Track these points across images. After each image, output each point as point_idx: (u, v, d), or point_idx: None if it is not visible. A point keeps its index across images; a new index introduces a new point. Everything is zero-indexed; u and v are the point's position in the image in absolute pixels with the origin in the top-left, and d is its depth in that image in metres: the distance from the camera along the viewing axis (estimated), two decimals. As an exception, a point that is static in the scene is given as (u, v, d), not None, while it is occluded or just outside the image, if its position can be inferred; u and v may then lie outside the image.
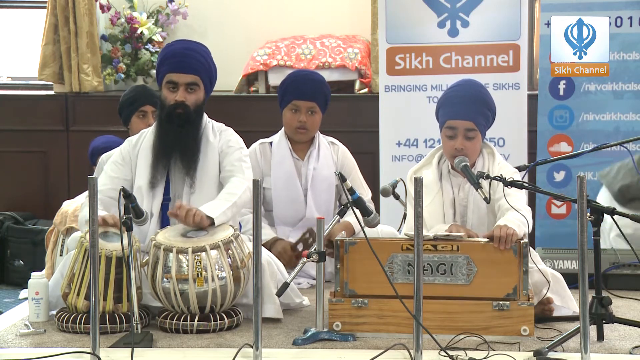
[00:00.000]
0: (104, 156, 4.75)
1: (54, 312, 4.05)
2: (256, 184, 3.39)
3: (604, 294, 3.76)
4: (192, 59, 4.26)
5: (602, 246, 4.11)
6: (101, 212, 4.00)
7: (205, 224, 4.02)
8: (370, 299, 3.83)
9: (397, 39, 5.53)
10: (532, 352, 3.54)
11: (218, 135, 4.34)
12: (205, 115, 4.37)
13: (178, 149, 4.25)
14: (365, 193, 4.91)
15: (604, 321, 3.73)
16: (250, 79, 6.68)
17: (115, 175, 4.27)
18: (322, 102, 4.91)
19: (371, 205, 4.19)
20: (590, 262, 3.47)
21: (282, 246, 4.73)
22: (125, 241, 3.81)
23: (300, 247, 4.70)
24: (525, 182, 3.99)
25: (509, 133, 5.39)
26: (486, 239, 3.86)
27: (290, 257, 4.67)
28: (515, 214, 3.90)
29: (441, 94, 4.49)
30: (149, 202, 4.21)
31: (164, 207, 4.25)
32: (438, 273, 3.82)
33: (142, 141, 4.33)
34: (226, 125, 4.43)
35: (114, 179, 4.23)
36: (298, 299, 4.27)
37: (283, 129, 4.99)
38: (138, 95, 5.07)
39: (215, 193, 4.21)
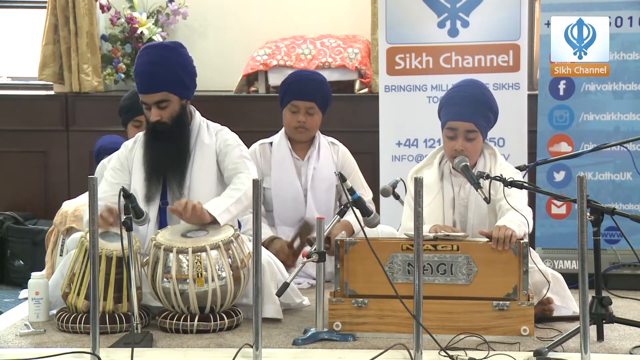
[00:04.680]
0: (104, 160, 4.73)
1: (54, 312, 4.05)
2: (256, 184, 3.39)
3: (604, 294, 3.76)
4: (154, 77, 4.18)
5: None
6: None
7: (207, 219, 4.02)
8: (370, 299, 3.83)
9: (397, 39, 5.53)
10: (532, 352, 3.54)
11: (214, 136, 4.33)
12: (197, 117, 4.35)
13: (168, 164, 4.23)
14: (366, 193, 4.91)
15: (604, 321, 3.73)
16: (250, 79, 6.68)
17: (115, 181, 4.26)
18: (321, 103, 4.91)
19: (371, 206, 4.18)
20: (590, 262, 3.47)
21: (280, 245, 4.71)
22: (125, 241, 3.81)
23: (297, 243, 4.65)
24: (526, 182, 3.99)
25: (509, 133, 5.39)
26: (486, 239, 3.86)
27: (287, 255, 4.63)
28: (516, 214, 3.90)
29: (441, 94, 4.49)
30: (146, 207, 4.19)
31: (162, 211, 4.25)
32: (438, 273, 3.82)
33: (136, 147, 4.32)
34: (227, 126, 4.42)
35: (114, 186, 4.21)
36: (298, 299, 4.27)
37: (283, 129, 4.99)
38: (134, 105, 4.97)
39: (212, 196, 4.20)
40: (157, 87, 4.19)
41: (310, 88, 4.90)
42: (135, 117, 4.99)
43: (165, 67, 4.21)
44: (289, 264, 4.55)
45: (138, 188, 4.23)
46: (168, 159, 4.23)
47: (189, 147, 4.27)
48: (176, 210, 4.02)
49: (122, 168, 4.31)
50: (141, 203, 4.16)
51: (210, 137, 4.32)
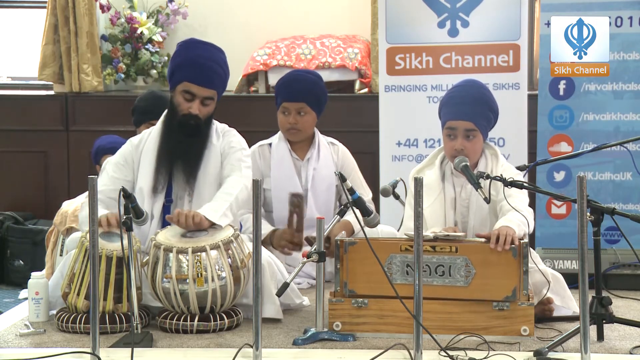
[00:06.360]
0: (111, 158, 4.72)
1: (54, 312, 4.05)
2: (256, 184, 3.39)
3: (604, 294, 3.76)
4: (213, 73, 4.22)
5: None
6: (102, 211, 4.00)
7: (206, 226, 4.02)
8: (370, 299, 3.83)
9: (397, 39, 5.52)
10: (532, 352, 3.54)
11: (221, 137, 4.34)
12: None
13: (182, 157, 4.24)
14: (366, 193, 4.90)
15: (604, 321, 3.73)
16: (250, 79, 6.68)
17: (117, 176, 4.26)
18: (312, 102, 4.87)
19: (371, 206, 4.18)
20: (590, 262, 3.48)
21: (281, 230, 4.67)
22: (125, 241, 3.81)
23: (294, 219, 4.55)
24: (526, 182, 3.99)
25: (509, 133, 5.38)
26: (485, 239, 3.86)
27: (291, 234, 4.52)
28: (516, 214, 3.90)
29: (441, 94, 4.48)
30: (150, 204, 4.20)
31: (166, 208, 4.25)
32: (436, 274, 3.81)
33: (144, 143, 4.32)
34: (227, 126, 4.43)
35: (115, 180, 4.22)
36: (298, 299, 4.27)
37: (281, 130, 4.99)
38: (152, 107, 4.94)
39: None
40: (214, 84, 4.23)
41: (299, 89, 4.87)
42: (151, 119, 4.94)
43: (220, 67, 4.27)
44: (296, 243, 4.51)
45: (145, 181, 4.22)
46: (182, 152, 4.23)
47: (204, 150, 4.27)
48: (172, 220, 4.02)
49: (125, 164, 4.30)
50: (146, 197, 4.18)
51: (217, 137, 4.33)
